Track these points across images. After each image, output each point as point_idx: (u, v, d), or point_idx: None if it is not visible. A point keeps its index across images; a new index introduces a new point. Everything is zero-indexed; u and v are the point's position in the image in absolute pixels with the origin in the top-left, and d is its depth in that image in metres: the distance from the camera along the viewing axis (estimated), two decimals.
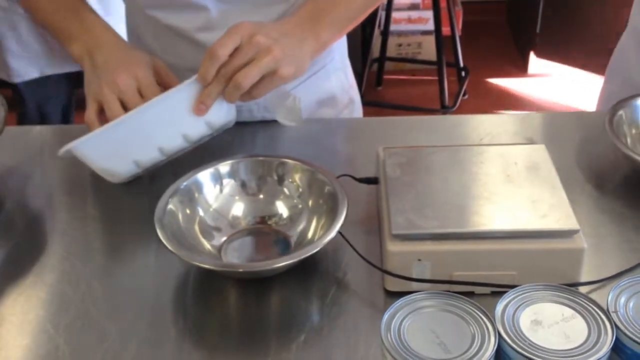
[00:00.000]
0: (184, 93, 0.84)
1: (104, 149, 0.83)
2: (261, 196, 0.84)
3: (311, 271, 0.77)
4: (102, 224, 0.87)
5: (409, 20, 2.88)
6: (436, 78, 2.55)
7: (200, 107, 0.84)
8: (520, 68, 2.98)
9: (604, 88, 1.20)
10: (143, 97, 0.85)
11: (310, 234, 0.80)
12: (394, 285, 0.73)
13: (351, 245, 0.76)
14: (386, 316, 0.59)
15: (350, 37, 1.18)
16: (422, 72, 2.93)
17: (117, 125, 0.82)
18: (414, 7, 2.86)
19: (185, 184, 0.81)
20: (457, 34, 2.69)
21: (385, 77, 2.92)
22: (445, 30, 2.59)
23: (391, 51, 2.90)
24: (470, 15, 3.00)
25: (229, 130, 0.93)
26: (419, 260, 0.71)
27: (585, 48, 2.85)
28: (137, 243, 0.83)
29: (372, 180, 0.84)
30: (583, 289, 0.72)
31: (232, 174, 0.84)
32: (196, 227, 0.80)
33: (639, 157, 0.85)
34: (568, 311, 0.59)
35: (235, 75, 0.81)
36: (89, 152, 0.83)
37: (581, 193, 0.88)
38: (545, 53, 2.88)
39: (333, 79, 1.11)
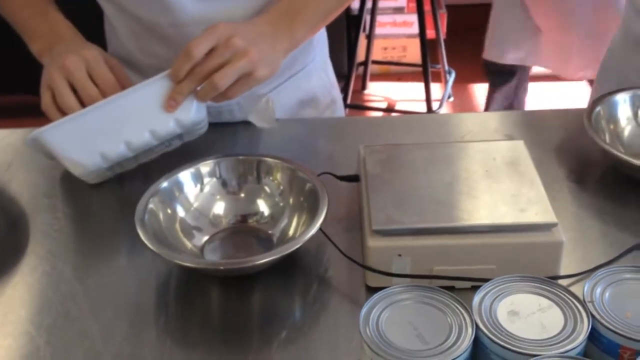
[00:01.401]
0: (153, 88, 0.85)
1: (70, 138, 0.83)
2: (242, 195, 0.84)
3: (293, 269, 0.78)
4: (81, 225, 0.87)
5: (394, 24, 2.89)
6: (422, 81, 2.56)
7: (171, 102, 0.84)
8: None
9: (596, 89, 1.20)
10: (92, 78, 0.85)
11: (291, 232, 0.80)
12: (375, 281, 0.73)
13: (332, 242, 0.76)
14: (364, 310, 0.59)
15: (336, 40, 1.19)
16: (408, 75, 2.94)
17: (84, 115, 0.83)
18: (398, 10, 2.88)
19: (166, 183, 0.81)
20: (442, 37, 2.71)
21: (371, 80, 2.93)
22: (430, 33, 2.61)
23: (376, 54, 2.91)
24: (455, 19, 3.01)
25: (210, 130, 0.93)
26: (399, 255, 0.72)
27: None
28: (117, 243, 0.83)
29: (353, 178, 0.85)
30: (562, 281, 0.72)
31: (212, 173, 0.84)
32: (177, 227, 0.80)
33: (618, 153, 0.85)
34: (545, 302, 0.60)
35: (212, 76, 0.82)
36: (54, 140, 0.83)
37: (561, 188, 0.88)
38: None
39: (314, 79, 1.11)
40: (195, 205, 0.82)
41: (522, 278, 0.63)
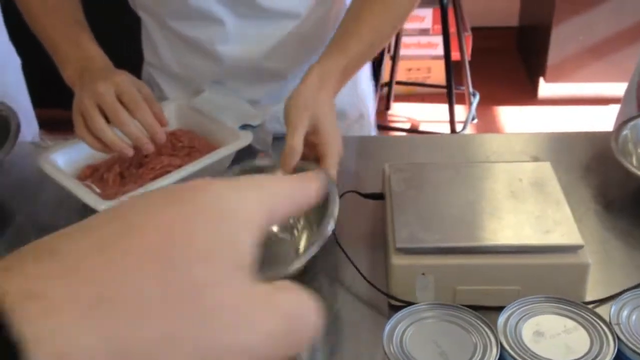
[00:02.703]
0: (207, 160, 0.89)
1: None
2: None
3: (316, 284, 0.78)
4: None
5: (419, 45, 2.90)
6: (446, 103, 2.56)
7: None
8: (529, 94, 2.99)
9: (622, 112, 1.20)
10: (122, 102, 0.85)
11: (302, 244, 0.80)
12: (398, 300, 0.73)
13: (353, 264, 0.76)
14: (388, 327, 0.59)
15: None
16: (432, 96, 2.95)
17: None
18: (423, 32, 2.89)
19: None
20: (467, 59, 2.71)
21: (395, 101, 2.94)
22: (455, 55, 2.61)
23: (401, 75, 2.92)
24: (480, 41, 3.02)
25: None
26: (423, 274, 0.71)
27: (597, 75, 2.86)
28: None
29: (378, 196, 0.85)
30: (588, 304, 0.72)
31: None
32: None
33: None
34: (570, 323, 0.60)
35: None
36: None
37: (587, 210, 0.88)
38: (556, 80, 2.89)
39: (343, 92, 1.12)
40: None
41: (548, 299, 0.62)
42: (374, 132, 1.25)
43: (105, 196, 0.85)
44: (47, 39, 0.96)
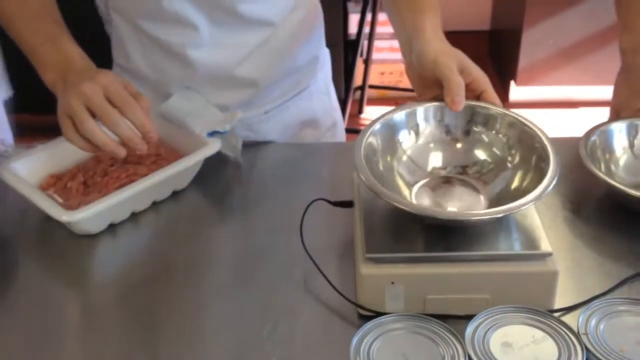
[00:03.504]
0: (174, 169, 0.88)
1: (91, 219, 0.83)
2: (462, 144, 0.83)
3: (283, 295, 0.77)
4: (76, 242, 0.86)
5: (391, 49, 2.90)
6: None
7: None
8: (501, 97, 2.97)
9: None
10: (111, 102, 0.84)
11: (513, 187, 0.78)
12: (368, 310, 0.72)
13: (323, 274, 0.76)
14: (355, 339, 0.59)
15: (333, 64, 1.20)
16: (404, 100, 2.95)
17: (115, 198, 0.83)
18: (396, 36, 2.89)
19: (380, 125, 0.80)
20: None
21: (368, 104, 2.94)
22: None
23: (374, 79, 2.92)
24: (452, 45, 3.03)
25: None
26: (392, 283, 0.71)
27: (568, 78, 2.89)
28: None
29: (347, 204, 0.84)
30: (556, 312, 0.71)
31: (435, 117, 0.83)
32: (393, 171, 0.79)
33: (613, 182, 0.85)
34: (539, 333, 0.59)
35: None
36: (83, 222, 0.83)
37: (555, 217, 0.88)
38: (527, 83, 2.92)
39: (316, 100, 1.12)
40: (410, 152, 0.81)
41: (516, 309, 0.62)
42: (344, 139, 1.24)
43: (68, 206, 0.84)
44: (24, 41, 0.94)
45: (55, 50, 0.91)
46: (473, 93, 0.82)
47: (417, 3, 0.90)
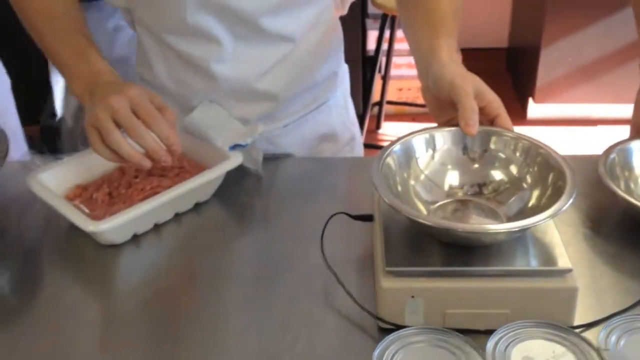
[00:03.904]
0: (197, 182, 0.90)
1: (117, 228, 0.84)
2: (478, 166, 0.84)
3: (303, 307, 0.78)
4: (100, 252, 0.88)
5: (410, 65, 2.91)
6: (435, 123, 2.57)
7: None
8: (519, 114, 3.01)
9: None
10: (137, 115, 0.85)
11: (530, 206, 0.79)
12: (387, 323, 0.73)
13: (343, 286, 0.76)
14: (377, 351, 0.59)
15: (351, 80, 1.21)
16: (422, 116, 2.96)
17: (140, 209, 0.85)
18: None
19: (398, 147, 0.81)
20: None
21: (386, 120, 2.95)
22: None
23: (392, 95, 2.93)
24: (470, 62, 3.03)
25: None
26: (412, 297, 0.71)
27: (586, 96, 2.88)
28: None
29: (367, 218, 0.85)
30: (576, 329, 0.71)
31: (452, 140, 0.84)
32: (410, 190, 0.80)
33: (632, 200, 0.85)
34: (559, 348, 0.60)
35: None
36: (105, 231, 0.84)
37: (575, 234, 0.88)
38: (545, 101, 2.92)
39: (334, 114, 1.13)
40: (428, 172, 0.83)
41: (537, 324, 0.62)
42: (362, 154, 1.25)
43: (93, 216, 0.85)
44: (55, 54, 0.96)
45: (84, 63, 0.93)
46: (487, 117, 0.83)
47: (435, 26, 0.91)
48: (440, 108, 0.86)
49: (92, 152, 0.87)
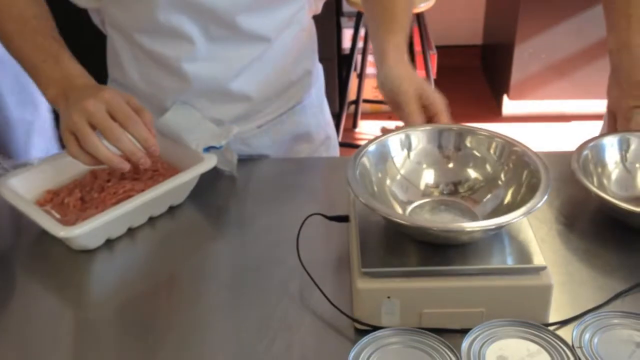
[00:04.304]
0: (171, 184, 0.89)
1: (89, 234, 0.83)
2: (453, 165, 0.84)
3: (279, 309, 0.77)
4: (73, 258, 0.87)
5: None
6: None
7: None
8: (494, 111, 3.03)
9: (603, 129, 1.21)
10: (114, 118, 0.85)
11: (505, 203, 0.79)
12: (364, 324, 0.73)
13: (319, 288, 0.76)
14: (353, 353, 0.59)
15: (327, 79, 1.21)
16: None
17: (114, 213, 0.84)
18: None
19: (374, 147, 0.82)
20: (432, 77, 2.74)
21: (362, 119, 2.95)
22: (420, 73, 2.64)
23: (367, 93, 2.94)
24: (445, 59, 3.06)
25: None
26: (388, 297, 0.71)
27: (560, 92, 2.91)
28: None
29: (343, 219, 0.85)
30: (550, 326, 0.72)
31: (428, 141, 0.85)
32: (386, 190, 0.81)
33: (606, 196, 0.86)
34: (533, 347, 0.60)
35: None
36: (80, 238, 0.83)
37: (549, 231, 0.89)
38: (519, 97, 2.94)
39: (309, 115, 1.13)
40: (403, 171, 0.83)
41: (511, 322, 0.63)
42: (337, 153, 1.25)
43: (65, 222, 0.84)
44: (26, 59, 0.95)
45: (57, 67, 0.92)
46: (428, 115, 0.91)
47: (387, 24, 0.97)
48: (394, 106, 0.93)
49: (63, 156, 0.85)
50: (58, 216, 0.87)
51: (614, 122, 1.02)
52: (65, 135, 0.85)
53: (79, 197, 0.89)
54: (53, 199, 0.90)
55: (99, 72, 1.07)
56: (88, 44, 1.19)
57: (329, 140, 1.19)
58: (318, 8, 1.08)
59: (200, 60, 0.98)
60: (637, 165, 0.94)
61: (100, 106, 0.84)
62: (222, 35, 0.96)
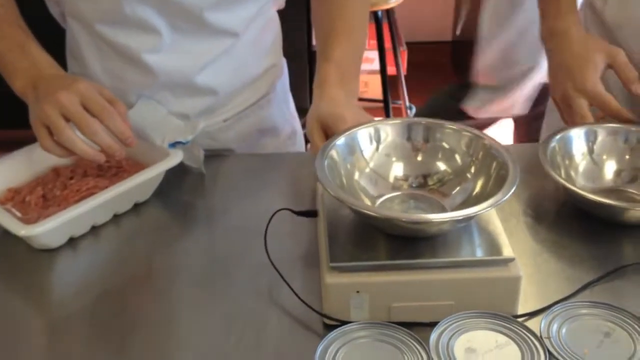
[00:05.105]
0: (134, 181, 0.87)
1: (51, 233, 0.81)
2: (423, 156, 0.84)
3: (249, 303, 0.76)
4: (35, 257, 0.85)
5: None
6: (383, 116, 2.59)
7: None
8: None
9: (547, 122, 1.22)
10: (89, 110, 0.83)
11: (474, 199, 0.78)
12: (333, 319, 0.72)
13: (287, 284, 0.75)
14: (320, 347, 0.58)
15: (298, 75, 1.20)
16: (369, 110, 2.95)
17: (76, 210, 0.82)
18: None
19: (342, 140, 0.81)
20: (402, 73, 2.74)
21: None
22: (391, 69, 2.64)
23: None
24: (415, 55, 3.06)
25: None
26: (357, 292, 0.71)
27: None
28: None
29: (311, 214, 0.84)
30: (519, 317, 0.72)
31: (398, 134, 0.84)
32: (354, 184, 0.80)
33: (573, 188, 0.86)
34: (502, 338, 0.60)
35: None
36: (39, 235, 0.81)
37: (517, 223, 0.89)
38: None
39: (275, 108, 1.12)
40: (372, 164, 0.82)
41: (480, 314, 0.62)
42: (304, 148, 1.24)
43: (26, 220, 0.82)
44: None
45: (23, 56, 0.89)
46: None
47: (332, 38, 0.97)
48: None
49: (24, 153, 0.83)
50: (19, 215, 0.85)
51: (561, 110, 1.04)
52: (37, 127, 0.83)
53: (41, 195, 0.87)
54: (14, 197, 0.88)
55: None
56: (47, 38, 1.15)
57: (295, 136, 1.18)
58: (282, 3, 1.08)
59: (166, 52, 0.96)
60: (604, 157, 0.95)
61: (74, 98, 0.82)
62: (189, 29, 0.95)
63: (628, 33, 1.05)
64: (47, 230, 0.79)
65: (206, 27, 0.95)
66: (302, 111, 1.21)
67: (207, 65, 0.99)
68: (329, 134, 0.87)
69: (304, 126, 1.07)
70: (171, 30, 0.94)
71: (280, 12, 1.10)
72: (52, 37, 1.06)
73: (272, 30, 1.07)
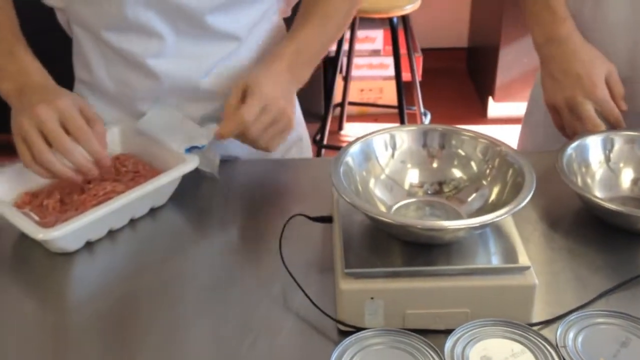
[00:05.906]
0: (151, 186, 0.88)
1: (69, 236, 0.82)
2: (438, 164, 0.84)
3: (264, 310, 0.76)
4: (52, 261, 0.85)
5: (370, 66, 2.92)
6: (398, 122, 2.58)
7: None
8: (479, 113, 3.04)
9: (524, 129, 1.22)
10: (66, 129, 0.84)
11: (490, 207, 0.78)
12: (347, 325, 0.72)
13: (302, 289, 0.75)
14: (335, 354, 0.58)
15: (313, 81, 1.20)
16: (384, 116, 2.97)
17: (92, 215, 0.82)
18: (374, 53, 2.91)
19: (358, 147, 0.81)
20: (417, 79, 2.74)
21: (347, 121, 2.95)
22: (406, 75, 2.64)
23: (353, 96, 2.93)
24: (430, 62, 3.06)
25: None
26: (372, 298, 0.71)
27: None
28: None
29: (326, 219, 0.84)
30: (535, 326, 0.71)
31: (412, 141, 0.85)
32: (370, 190, 0.80)
33: (590, 196, 0.86)
34: (517, 347, 0.59)
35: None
36: (57, 239, 0.81)
37: (533, 231, 0.88)
38: (504, 99, 2.95)
39: None
40: (388, 171, 0.83)
41: (495, 322, 0.62)
42: (310, 154, 1.24)
43: (44, 224, 0.83)
44: None
45: (11, 60, 0.91)
46: None
47: (294, 26, 1.01)
48: None
49: None
50: (37, 218, 0.85)
51: (558, 116, 1.03)
52: (17, 141, 0.84)
53: (59, 199, 0.88)
54: (32, 201, 0.88)
55: (68, 75, 1.05)
56: (55, 48, 1.16)
57: (301, 141, 1.17)
58: (288, 11, 1.08)
59: (168, 56, 0.96)
60: (621, 165, 0.94)
61: (52, 115, 0.83)
62: (192, 33, 0.95)
63: (602, 35, 1.05)
64: (65, 234, 0.80)
65: (208, 31, 0.96)
66: (312, 116, 1.21)
67: (211, 70, 0.99)
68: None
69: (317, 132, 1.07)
70: (174, 34, 0.95)
71: (288, 20, 1.10)
72: (61, 46, 1.07)
73: (277, 35, 1.07)
